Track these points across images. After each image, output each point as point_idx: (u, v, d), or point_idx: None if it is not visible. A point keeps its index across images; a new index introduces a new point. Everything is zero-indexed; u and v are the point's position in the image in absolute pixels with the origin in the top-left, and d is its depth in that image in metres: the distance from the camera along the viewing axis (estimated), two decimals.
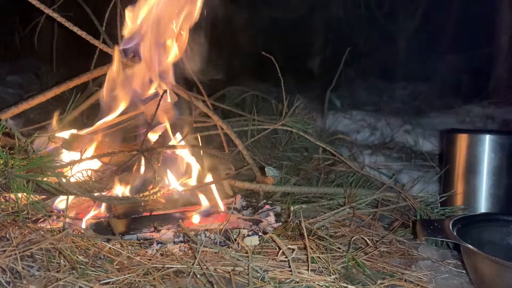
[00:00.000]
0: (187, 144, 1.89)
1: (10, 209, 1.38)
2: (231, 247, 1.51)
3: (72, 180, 1.57)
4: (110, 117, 1.85)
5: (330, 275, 1.32)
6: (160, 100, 1.79)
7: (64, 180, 1.39)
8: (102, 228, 1.55)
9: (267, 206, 1.89)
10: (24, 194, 1.35)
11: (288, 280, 1.27)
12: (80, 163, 1.61)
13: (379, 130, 3.47)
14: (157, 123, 1.86)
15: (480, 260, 1.20)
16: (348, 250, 1.50)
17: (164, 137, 1.84)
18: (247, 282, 1.23)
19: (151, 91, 1.93)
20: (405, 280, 1.36)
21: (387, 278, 1.36)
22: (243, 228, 1.59)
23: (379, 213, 1.92)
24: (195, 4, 1.94)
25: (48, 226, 1.43)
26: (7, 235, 1.29)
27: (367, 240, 1.59)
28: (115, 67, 1.89)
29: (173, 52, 1.98)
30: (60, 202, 1.60)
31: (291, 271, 1.30)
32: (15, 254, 1.20)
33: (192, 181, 1.83)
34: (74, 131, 1.76)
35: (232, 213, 1.75)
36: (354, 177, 2.24)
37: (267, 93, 3.38)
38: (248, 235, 1.56)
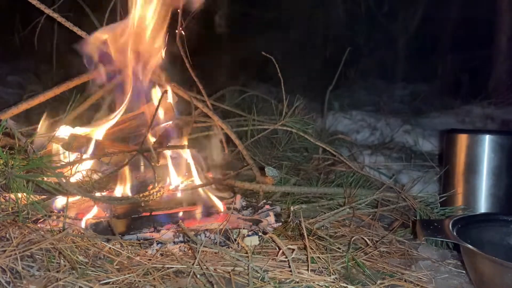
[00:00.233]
0: (187, 145, 1.89)
1: (10, 209, 1.38)
2: (231, 247, 1.51)
3: (72, 180, 1.57)
4: (110, 117, 1.85)
5: (330, 275, 1.32)
6: (160, 101, 1.79)
7: (64, 180, 1.39)
8: (102, 228, 1.55)
9: (267, 206, 1.90)
10: (24, 194, 1.35)
11: (288, 280, 1.27)
12: (80, 163, 1.61)
13: (379, 130, 3.47)
14: (157, 124, 1.86)
15: (480, 260, 1.20)
16: (348, 250, 1.50)
17: (164, 137, 1.84)
18: (247, 282, 1.24)
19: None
20: (405, 280, 1.36)
21: (387, 278, 1.36)
22: (243, 228, 1.59)
23: (379, 213, 1.92)
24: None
25: (48, 226, 1.43)
26: (7, 235, 1.29)
27: (367, 240, 1.59)
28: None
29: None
30: (60, 202, 1.60)
31: (291, 271, 1.30)
32: (15, 254, 1.20)
33: (192, 182, 1.83)
34: (74, 131, 1.76)
35: (232, 213, 1.75)
36: (354, 177, 2.25)
37: (267, 93, 3.38)
38: (248, 235, 1.56)
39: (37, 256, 1.25)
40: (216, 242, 1.52)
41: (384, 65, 5.44)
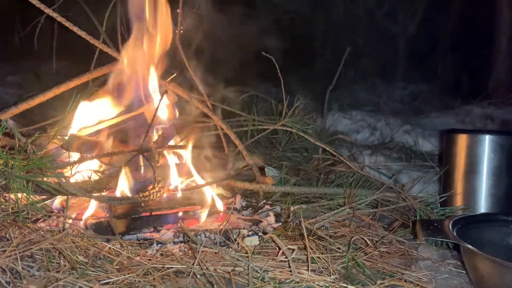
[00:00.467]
0: (186, 145, 1.89)
1: (10, 209, 1.38)
2: (231, 247, 1.51)
3: (72, 180, 1.57)
4: (110, 118, 1.85)
5: (330, 275, 1.32)
6: (160, 101, 1.79)
7: (64, 180, 1.39)
8: (102, 228, 1.55)
9: (267, 206, 1.90)
10: (24, 194, 1.35)
11: (288, 280, 1.27)
12: (80, 163, 1.61)
13: (379, 130, 3.47)
14: (157, 124, 1.86)
15: (480, 260, 1.20)
16: (348, 250, 1.50)
17: (163, 138, 1.84)
18: (247, 282, 1.24)
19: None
20: (405, 280, 1.36)
21: (387, 278, 1.36)
22: (243, 228, 1.59)
23: (379, 213, 1.92)
24: None
25: (48, 226, 1.43)
26: (7, 235, 1.29)
27: (367, 240, 1.59)
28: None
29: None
30: (60, 202, 1.60)
31: (291, 271, 1.30)
32: (15, 254, 1.20)
33: (192, 182, 1.83)
34: (74, 131, 1.76)
35: (232, 213, 1.75)
36: (354, 177, 2.25)
37: (266, 94, 3.38)
38: (248, 235, 1.56)
39: (37, 256, 1.25)
40: (216, 242, 1.52)
41: (384, 65, 5.43)
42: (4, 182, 1.29)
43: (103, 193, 1.67)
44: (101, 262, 1.31)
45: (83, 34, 2.05)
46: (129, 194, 1.64)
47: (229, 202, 1.91)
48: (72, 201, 1.64)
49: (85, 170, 1.65)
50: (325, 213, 1.86)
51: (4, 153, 1.30)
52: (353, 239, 1.61)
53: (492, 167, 1.82)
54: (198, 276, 1.28)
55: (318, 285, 1.26)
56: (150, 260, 1.36)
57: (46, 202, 1.54)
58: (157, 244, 1.47)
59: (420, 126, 3.43)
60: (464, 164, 1.88)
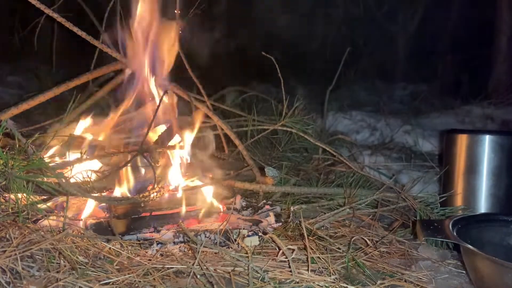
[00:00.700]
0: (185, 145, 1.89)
1: (10, 209, 1.38)
2: (231, 248, 1.51)
3: (72, 180, 1.57)
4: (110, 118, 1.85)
5: (330, 276, 1.32)
6: (160, 101, 1.79)
7: (64, 180, 1.39)
8: (102, 228, 1.55)
9: (267, 207, 1.90)
10: (24, 194, 1.35)
11: (288, 281, 1.27)
12: (80, 163, 1.61)
13: (379, 130, 3.47)
14: (157, 124, 1.86)
15: (480, 260, 1.20)
16: (348, 250, 1.50)
17: (163, 138, 1.84)
18: (247, 282, 1.24)
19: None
20: (405, 281, 1.36)
21: (387, 279, 1.36)
22: (243, 229, 1.59)
23: (379, 214, 1.92)
24: None
25: (48, 227, 1.43)
26: (7, 236, 1.29)
27: (367, 241, 1.59)
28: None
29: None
30: (60, 203, 1.60)
31: (291, 271, 1.30)
32: (15, 254, 1.20)
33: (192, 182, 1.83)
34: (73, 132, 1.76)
35: (232, 213, 1.75)
36: (354, 178, 2.24)
37: (266, 94, 3.38)
38: (248, 236, 1.56)
39: (37, 256, 1.25)
40: (216, 242, 1.52)
41: (384, 65, 5.44)
42: (4, 183, 1.29)
43: (103, 193, 1.67)
44: (101, 262, 1.31)
45: (83, 34, 2.05)
46: (128, 195, 1.64)
47: (229, 202, 1.91)
48: (73, 201, 1.64)
49: (85, 170, 1.65)
50: (325, 213, 1.86)
51: (4, 153, 1.30)
52: (353, 239, 1.61)
53: (492, 167, 1.82)
54: (198, 276, 1.28)
55: (318, 285, 1.26)
56: (150, 260, 1.36)
57: (47, 204, 1.54)
58: (157, 244, 1.47)
59: (420, 126, 3.43)
60: (464, 164, 1.88)
